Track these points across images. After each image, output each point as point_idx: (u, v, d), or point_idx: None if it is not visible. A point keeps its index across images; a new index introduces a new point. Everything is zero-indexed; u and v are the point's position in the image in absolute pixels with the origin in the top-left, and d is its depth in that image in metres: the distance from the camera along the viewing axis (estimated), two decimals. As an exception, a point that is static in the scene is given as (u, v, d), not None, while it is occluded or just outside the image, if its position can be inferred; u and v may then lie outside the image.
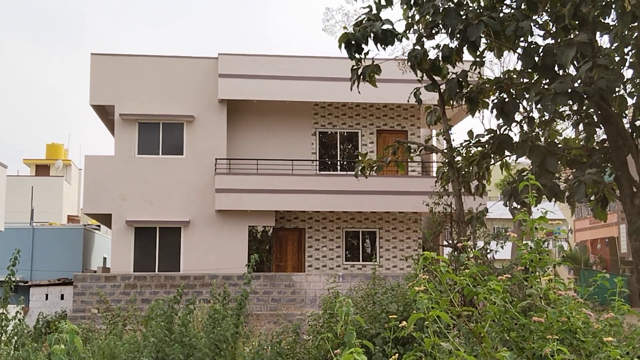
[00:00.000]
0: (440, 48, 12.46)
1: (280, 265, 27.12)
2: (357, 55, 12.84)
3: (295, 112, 27.45)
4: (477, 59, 12.90)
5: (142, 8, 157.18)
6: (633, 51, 11.11)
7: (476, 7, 12.55)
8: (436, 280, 4.30)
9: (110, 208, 25.59)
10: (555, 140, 13.42)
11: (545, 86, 11.83)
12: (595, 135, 13.15)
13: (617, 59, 11.32)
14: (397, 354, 4.20)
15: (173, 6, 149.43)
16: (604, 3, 10.24)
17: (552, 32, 12.22)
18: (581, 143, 13.37)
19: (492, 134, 12.98)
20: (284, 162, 26.51)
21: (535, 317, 3.76)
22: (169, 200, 25.79)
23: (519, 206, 13.59)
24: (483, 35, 11.53)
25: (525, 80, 12.79)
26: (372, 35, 12.39)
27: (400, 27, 13.07)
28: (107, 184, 25.56)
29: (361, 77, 13.64)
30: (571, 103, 11.19)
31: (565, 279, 4.44)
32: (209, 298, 14.56)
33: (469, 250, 4.31)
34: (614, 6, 10.54)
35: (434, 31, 12.67)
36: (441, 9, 11.70)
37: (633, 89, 12.17)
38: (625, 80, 11.58)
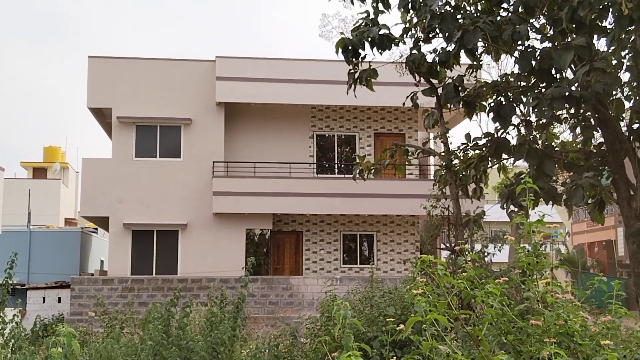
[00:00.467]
0: (438, 52, 12.46)
1: (277, 268, 27.11)
2: (354, 60, 12.84)
3: (292, 115, 27.47)
4: (474, 63, 12.90)
5: (139, 11, 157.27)
6: (630, 54, 11.12)
7: (473, 11, 12.56)
8: (434, 283, 4.31)
9: (108, 211, 25.58)
10: (553, 144, 13.42)
11: (542, 89, 11.84)
12: (592, 139, 13.16)
13: (614, 62, 11.33)
14: (394, 357, 4.20)
15: (170, 9, 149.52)
16: (601, 6, 10.24)
17: (549, 35, 12.23)
18: (578, 146, 13.37)
19: (489, 137, 12.98)
20: (282, 165, 26.53)
21: (532, 320, 3.77)
22: (166, 203, 25.78)
23: (516, 209, 13.61)
24: (480, 40, 11.53)
25: (523, 83, 12.80)
26: (369, 40, 12.39)
27: (397, 31, 13.16)
28: (104, 187, 25.54)
29: (358, 81, 13.64)
30: (568, 107, 11.19)
31: (563, 282, 4.45)
32: (207, 301, 14.56)
33: (467, 253, 4.32)
34: (611, 9, 10.56)
35: (431, 35, 12.67)
36: (438, 13, 11.70)
37: (630, 92, 12.18)
38: (622, 83, 11.59)
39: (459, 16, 11.72)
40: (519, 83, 12.77)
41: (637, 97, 11.53)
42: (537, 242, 4.01)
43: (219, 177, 25.71)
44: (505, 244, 13.62)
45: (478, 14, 12.16)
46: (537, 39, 12.69)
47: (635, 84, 11.73)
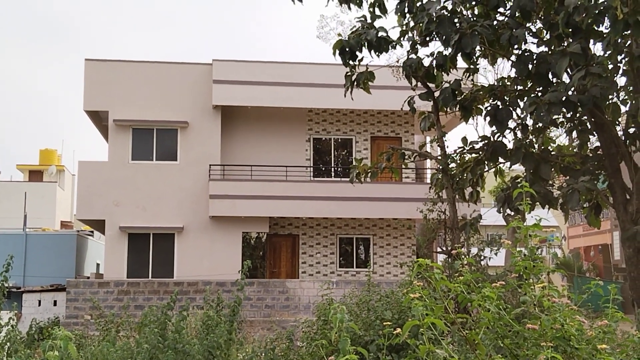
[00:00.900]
0: (435, 56, 12.50)
1: (274, 272, 27.09)
2: (351, 62, 12.87)
3: (289, 119, 27.48)
4: (471, 67, 12.94)
5: (136, 14, 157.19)
6: (626, 59, 11.17)
7: (470, 15, 12.60)
8: (430, 287, 4.31)
9: (104, 214, 25.53)
10: (549, 148, 13.46)
11: (539, 93, 11.88)
12: (588, 143, 13.21)
13: (610, 66, 11.38)
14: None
15: (167, 12, 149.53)
16: (597, 11, 10.29)
17: (545, 40, 12.28)
18: (575, 150, 13.41)
19: (486, 141, 13.02)
20: (278, 169, 26.52)
21: (529, 324, 3.77)
22: (162, 206, 25.74)
23: (512, 213, 13.63)
24: (477, 44, 11.57)
25: (519, 87, 12.84)
26: (366, 42, 12.43)
27: (394, 34, 13.15)
28: (100, 190, 25.50)
29: (355, 83, 13.67)
30: (565, 111, 11.23)
31: (559, 286, 4.46)
32: (203, 304, 14.53)
33: (463, 257, 4.32)
34: (606, 14, 10.60)
35: (428, 39, 12.71)
36: (435, 17, 11.74)
37: (626, 97, 12.22)
38: (618, 87, 11.63)
39: (456, 20, 11.76)
40: (515, 87, 12.81)
41: (633, 101, 11.57)
42: (533, 246, 4.01)
43: (215, 180, 25.69)
44: (501, 247, 13.62)
45: (475, 18, 12.20)
46: (534, 43, 12.74)
47: (631, 88, 11.78)
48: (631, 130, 12.04)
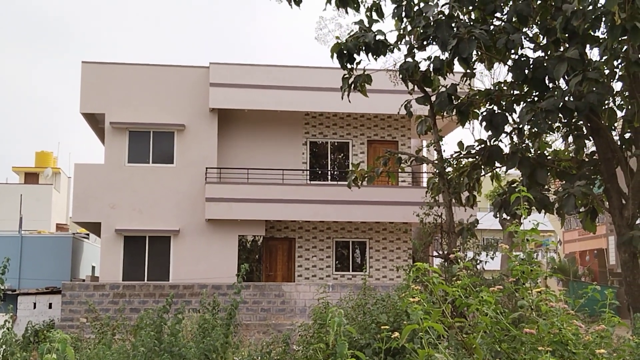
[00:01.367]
0: (432, 60, 12.51)
1: (270, 275, 27.08)
2: (348, 65, 12.88)
3: (286, 122, 27.50)
4: (468, 71, 12.95)
5: (134, 17, 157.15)
6: (622, 64, 11.20)
7: (467, 20, 12.62)
8: (427, 290, 4.31)
9: (100, 216, 25.50)
10: (545, 152, 13.47)
11: (535, 98, 11.89)
12: (584, 148, 13.23)
13: (606, 72, 11.40)
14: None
15: (164, 15, 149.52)
16: (594, 16, 10.31)
17: (542, 45, 12.30)
18: (571, 155, 13.43)
19: (482, 145, 13.02)
20: (275, 172, 26.52)
21: (526, 328, 3.77)
22: (158, 209, 25.72)
23: (508, 217, 13.64)
24: (474, 48, 11.58)
25: (516, 92, 12.86)
26: (364, 45, 12.43)
27: (391, 37, 13.18)
28: (96, 193, 25.47)
29: (352, 86, 13.67)
30: (562, 117, 11.26)
31: (556, 290, 4.46)
32: (198, 307, 14.50)
33: (461, 261, 4.33)
34: (604, 19, 10.63)
35: (425, 43, 12.71)
36: (432, 21, 11.75)
37: (622, 102, 12.25)
38: (614, 93, 11.66)
39: (453, 24, 11.77)
40: (512, 91, 12.83)
41: (629, 107, 11.60)
42: (530, 251, 4.02)
43: (211, 183, 25.69)
44: (498, 252, 13.64)
45: (472, 23, 12.22)
46: (530, 48, 12.76)
47: (627, 93, 11.81)
48: (627, 136, 12.06)
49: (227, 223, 25.75)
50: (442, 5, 12.06)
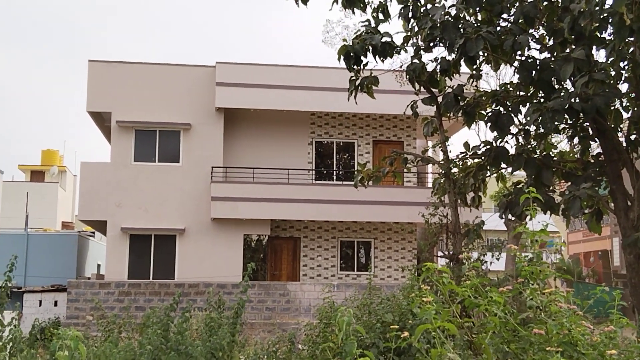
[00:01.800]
0: (439, 61, 12.53)
1: (275, 274, 27.13)
2: (355, 67, 12.91)
3: (292, 122, 27.54)
4: (475, 72, 12.98)
5: (141, 16, 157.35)
6: (629, 65, 11.20)
7: (473, 21, 12.64)
8: (432, 290, 4.33)
9: (106, 215, 25.58)
10: (551, 154, 13.49)
11: (541, 99, 11.90)
12: (590, 149, 13.23)
13: (612, 73, 11.41)
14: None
15: (171, 15, 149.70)
16: (601, 17, 10.32)
17: (548, 46, 12.31)
18: (576, 156, 13.44)
19: (488, 146, 13.04)
20: (280, 171, 26.57)
21: (535, 329, 3.80)
22: (164, 207, 25.80)
23: (513, 218, 13.65)
24: (481, 49, 11.61)
25: (522, 93, 12.87)
26: (371, 47, 12.47)
27: (398, 39, 13.20)
28: (102, 191, 25.55)
29: (359, 88, 13.71)
30: (568, 118, 11.27)
31: (564, 291, 4.49)
32: (203, 306, 14.53)
33: (469, 262, 4.36)
34: (611, 20, 10.63)
35: (432, 44, 12.75)
36: (439, 23, 11.78)
37: (628, 103, 12.25)
38: (621, 94, 11.65)
39: (460, 26, 11.80)
40: (518, 93, 12.84)
41: (636, 108, 11.60)
42: (539, 251, 4.04)
43: (217, 182, 25.74)
44: (503, 252, 13.65)
45: (478, 24, 12.25)
46: (537, 50, 12.77)
47: (633, 95, 11.82)
48: (633, 137, 12.06)
49: (233, 222, 25.81)
50: (449, 7, 12.09)
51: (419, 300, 3.74)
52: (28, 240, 30.20)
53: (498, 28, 12.07)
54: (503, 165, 13.18)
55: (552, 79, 11.51)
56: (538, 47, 12.65)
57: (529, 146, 12.96)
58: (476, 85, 14.00)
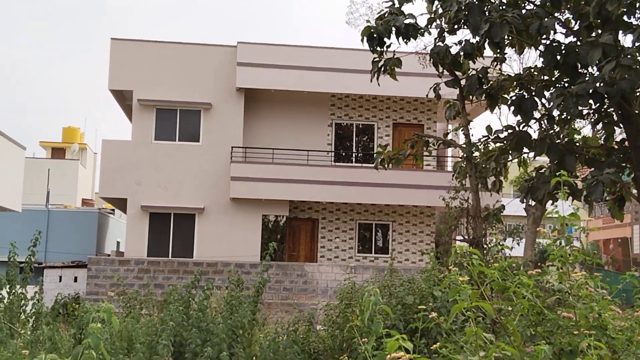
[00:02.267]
0: (463, 44, 12.46)
1: (292, 255, 27.25)
2: (378, 49, 12.87)
3: (312, 103, 27.51)
4: (499, 56, 12.89)
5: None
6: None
7: (498, 4, 12.53)
8: (456, 273, 4.33)
9: (126, 193, 25.78)
10: (574, 139, 13.39)
11: (566, 84, 11.81)
12: (614, 135, 13.12)
13: (639, 58, 11.27)
14: (426, 345, 4.26)
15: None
16: (629, 2, 10.21)
17: (574, 30, 12.19)
18: (600, 142, 13.34)
19: (510, 131, 12.97)
20: (300, 153, 26.59)
21: (564, 312, 3.80)
22: (184, 186, 25.95)
23: (534, 203, 13.60)
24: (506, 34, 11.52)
25: (546, 77, 12.77)
26: (394, 29, 12.41)
27: (422, 21, 13.13)
28: (123, 169, 25.73)
29: (381, 70, 13.67)
30: (593, 103, 11.17)
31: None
32: (221, 285, 14.63)
33: (498, 245, 4.36)
34: (638, 5, 10.51)
35: (456, 27, 12.67)
36: (464, 5, 11.70)
37: (654, 89, 12.11)
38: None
39: (485, 9, 11.71)
40: (542, 77, 12.75)
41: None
42: (570, 235, 4.04)
43: (237, 162, 25.83)
44: (522, 237, 13.59)
45: (503, 7, 12.14)
46: (562, 34, 12.65)
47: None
48: (658, 123, 11.94)
49: (251, 202, 25.91)
50: (475, -11, 11.98)
51: (448, 281, 3.76)
52: (49, 217, 30.54)
53: (523, 11, 11.95)
54: (525, 150, 13.12)
55: (577, 63, 11.41)
56: (563, 31, 12.53)
57: (552, 131, 12.88)
58: (500, 69, 13.92)
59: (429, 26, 13.04)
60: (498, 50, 12.35)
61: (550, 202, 12.31)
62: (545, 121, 13.02)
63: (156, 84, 26.18)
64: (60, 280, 27.42)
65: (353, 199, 26.23)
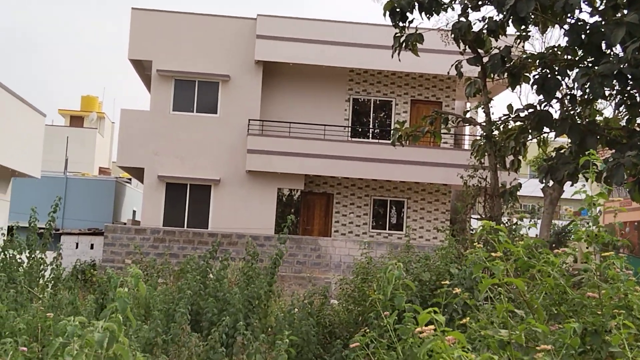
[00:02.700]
0: (486, 21, 12.33)
1: (307, 229, 27.32)
2: (401, 24, 12.77)
3: (330, 78, 27.40)
4: (522, 33, 12.76)
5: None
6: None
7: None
8: (479, 250, 4.33)
9: (143, 162, 25.90)
10: (596, 120, 13.27)
11: (589, 64, 11.67)
12: (637, 117, 12.98)
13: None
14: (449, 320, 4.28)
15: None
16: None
17: (600, 9, 12.02)
18: (622, 124, 13.21)
19: (531, 110, 12.88)
20: (316, 127, 26.55)
21: (589, 292, 3.81)
22: (200, 157, 26.03)
23: (551, 183, 13.51)
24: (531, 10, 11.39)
25: (569, 57, 12.63)
26: (417, 4, 12.30)
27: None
28: (141, 139, 25.82)
29: (403, 45, 13.57)
30: (617, 84, 11.04)
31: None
32: (236, 256, 14.72)
33: (520, 223, 4.35)
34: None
35: (480, 3, 12.54)
36: (489, -20, 11.58)
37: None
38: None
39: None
40: (566, 56, 12.61)
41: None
42: (597, 215, 4.03)
43: (253, 135, 25.85)
44: (538, 218, 13.53)
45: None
46: (587, 12, 12.48)
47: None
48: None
49: (267, 175, 25.97)
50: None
51: (473, 257, 3.77)
52: (67, 184, 30.78)
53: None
54: (546, 130, 13.03)
55: (602, 43, 11.28)
56: (589, 10, 12.36)
57: (574, 112, 12.78)
58: (522, 47, 13.78)
59: (453, 2, 12.92)
60: (522, 28, 12.23)
61: (570, 182, 12.24)
62: (568, 101, 12.90)
63: (175, 55, 26.16)
64: (77, 247, 27.70)
65: (369, 175, 26.21)
